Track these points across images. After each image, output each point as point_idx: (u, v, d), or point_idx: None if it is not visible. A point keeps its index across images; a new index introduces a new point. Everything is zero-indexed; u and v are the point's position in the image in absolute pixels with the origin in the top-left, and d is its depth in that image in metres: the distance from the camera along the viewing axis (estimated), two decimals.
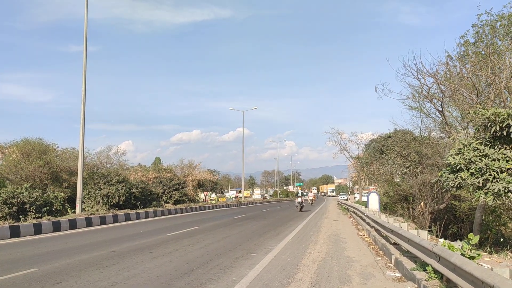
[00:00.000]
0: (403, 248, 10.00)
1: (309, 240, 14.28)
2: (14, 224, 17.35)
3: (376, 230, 14.56)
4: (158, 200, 38.75)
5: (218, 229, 18.17)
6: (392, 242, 11.67)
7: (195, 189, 54.07)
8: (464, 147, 11.31)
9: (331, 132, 57.05)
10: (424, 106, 24.72)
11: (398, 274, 8.54)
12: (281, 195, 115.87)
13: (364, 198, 47.00)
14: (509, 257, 11.53)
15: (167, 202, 40.93)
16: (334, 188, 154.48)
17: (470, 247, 7.01)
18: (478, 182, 10.69)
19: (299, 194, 39.84)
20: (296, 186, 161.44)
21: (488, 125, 11.01)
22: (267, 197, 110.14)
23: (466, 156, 11.02)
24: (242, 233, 16.52)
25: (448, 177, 11.39)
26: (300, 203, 35.86)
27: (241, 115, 62.91)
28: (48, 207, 24.32)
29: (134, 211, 28.39)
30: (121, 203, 31.51)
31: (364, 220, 18.80)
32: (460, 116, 22.08)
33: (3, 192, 22.04)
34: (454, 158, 11.22)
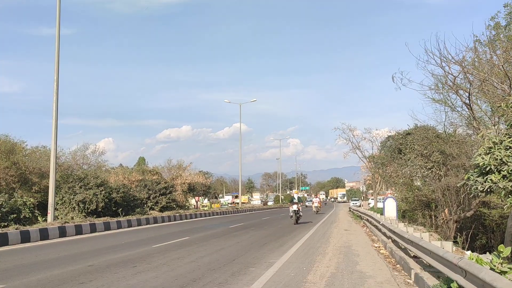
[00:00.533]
0: (424, 262, 9.97)
1: (317, 253, 14.32)
2: None
3: (393, 241, 14.58)
4: (142, 206, 38.86)
5: (211, 240, 18.26)
6: (412, 255, 11.68)
7: (185, 194, 54.20)
8: (494, 146, 11.32)
9: (341, 128, 56.68)
10: (448, 98, 24.79)
11: None
12: (284, 201, 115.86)
13: (380, 205, 47.09)
14: None
15: (153, 209, 41.04)
16: (345, 192, 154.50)
17: (501, 261, 6.99)
18: (511, 186, 10.71)
19: (295, 200, 33.08)
20: (302, 190, 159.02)
21: None
22: (269, 203, 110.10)
23: (497, 156, 11.04)
24: (239, 245, 16.61)
25: (476, 180, 11.42)
26: (296, 212, 29.66)
27: (238, 108, 62.87)
28: (15, 215, 24.35)
29: (115, 219, 28.41)
30: (100, 210, 31.55)
31: (379, 230, 18.90)
32: (490, 109, 22.12)
33: None
34: (483, 158, 11.24)
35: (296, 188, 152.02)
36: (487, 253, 12.37)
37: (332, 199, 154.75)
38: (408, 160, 30.73)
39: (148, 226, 28.91)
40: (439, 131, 29.70)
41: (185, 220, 35.66)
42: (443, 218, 26.01)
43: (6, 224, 22.46)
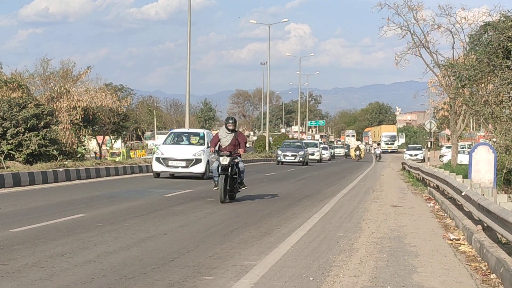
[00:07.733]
0: None
1: (336, 249, 9.77)
2: None
3: (486, 228, 10.47)
4: None
5: (128, 221, 12.10)
6: None
7: (76, 130, 37.81)
8: None
9: (393, 5, 35.14)
10: None
11: None
12: (274, 146, 77.64)
13: (463, 158, 36.17)
14: None
15: (12, 158, 28.73)
16: (395, 133, 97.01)
17: None
18: None
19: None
20: (310, 126, 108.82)
21: None
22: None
23: None
24: (183, 231, 11.02)
25: None
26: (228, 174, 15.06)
27: None
28: None
29: None
30: None
31: (460, 207, 14.41)
32: None
33: None
34: None
35: (300, 124, 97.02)
36: None
37: (374, 146, 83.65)
38: None
39: (1, 190, 20.85)
40: None
41: (78, 181, 24.15)
42: None
43: None
